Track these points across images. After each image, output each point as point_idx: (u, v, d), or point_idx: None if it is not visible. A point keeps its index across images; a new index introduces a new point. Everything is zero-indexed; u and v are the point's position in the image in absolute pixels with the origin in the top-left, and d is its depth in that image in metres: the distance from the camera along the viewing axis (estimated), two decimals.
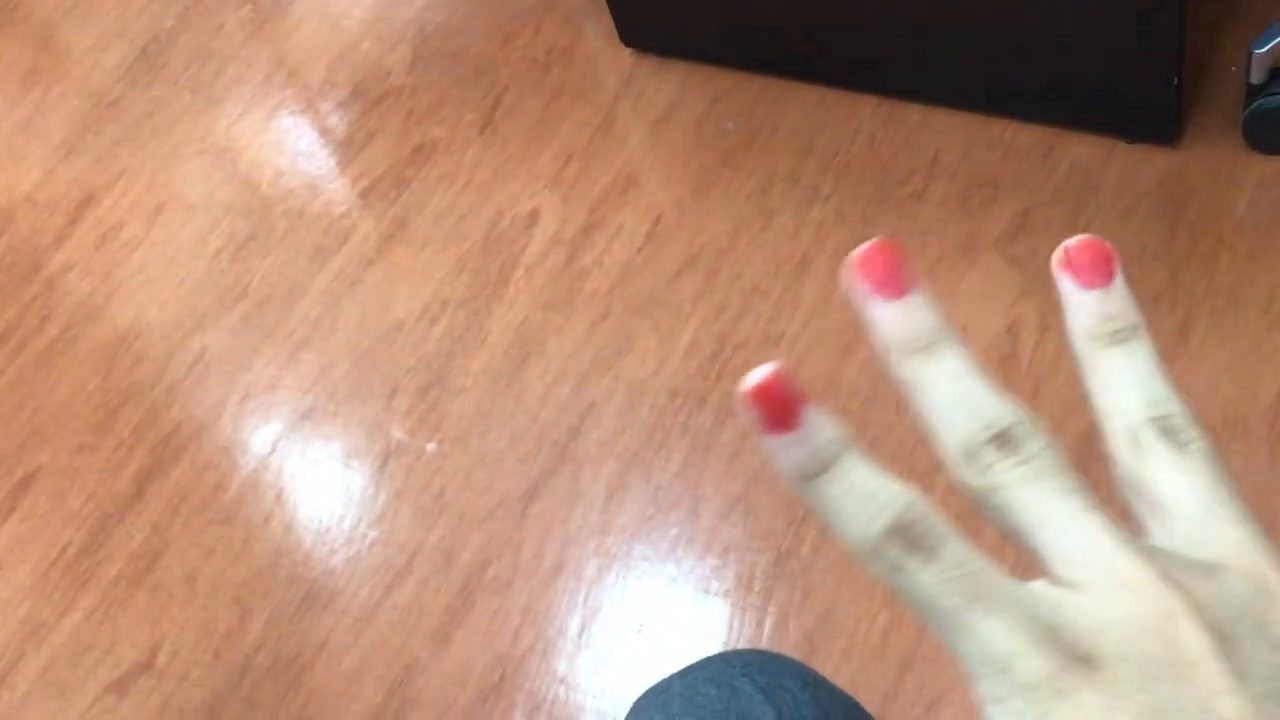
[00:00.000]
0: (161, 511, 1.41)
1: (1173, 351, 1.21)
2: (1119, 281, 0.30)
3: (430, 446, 1.38)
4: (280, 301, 1.56)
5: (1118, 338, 0.30)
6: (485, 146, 1.63)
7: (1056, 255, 0.30)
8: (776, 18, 1.47)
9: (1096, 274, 0.30)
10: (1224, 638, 0.25)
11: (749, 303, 1.38)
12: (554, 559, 1.26)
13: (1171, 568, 0.26)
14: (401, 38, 1.82)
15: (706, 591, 1.21)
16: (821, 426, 0.27)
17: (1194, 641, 0.25)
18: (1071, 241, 0.30)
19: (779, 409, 0.27)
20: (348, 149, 1.70)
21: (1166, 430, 0.29)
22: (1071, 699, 0.24)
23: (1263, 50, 1.25)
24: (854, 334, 1.31)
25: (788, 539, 1.21)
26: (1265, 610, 0.26)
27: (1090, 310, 0.30)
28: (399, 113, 1.72)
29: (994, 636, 0.25)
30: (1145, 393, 0.30)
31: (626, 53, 1.66)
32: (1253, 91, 1.29)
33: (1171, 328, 1.23)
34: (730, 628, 1.18)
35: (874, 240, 0.29)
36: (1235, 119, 1.33)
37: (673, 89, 1.60)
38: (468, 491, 1.33)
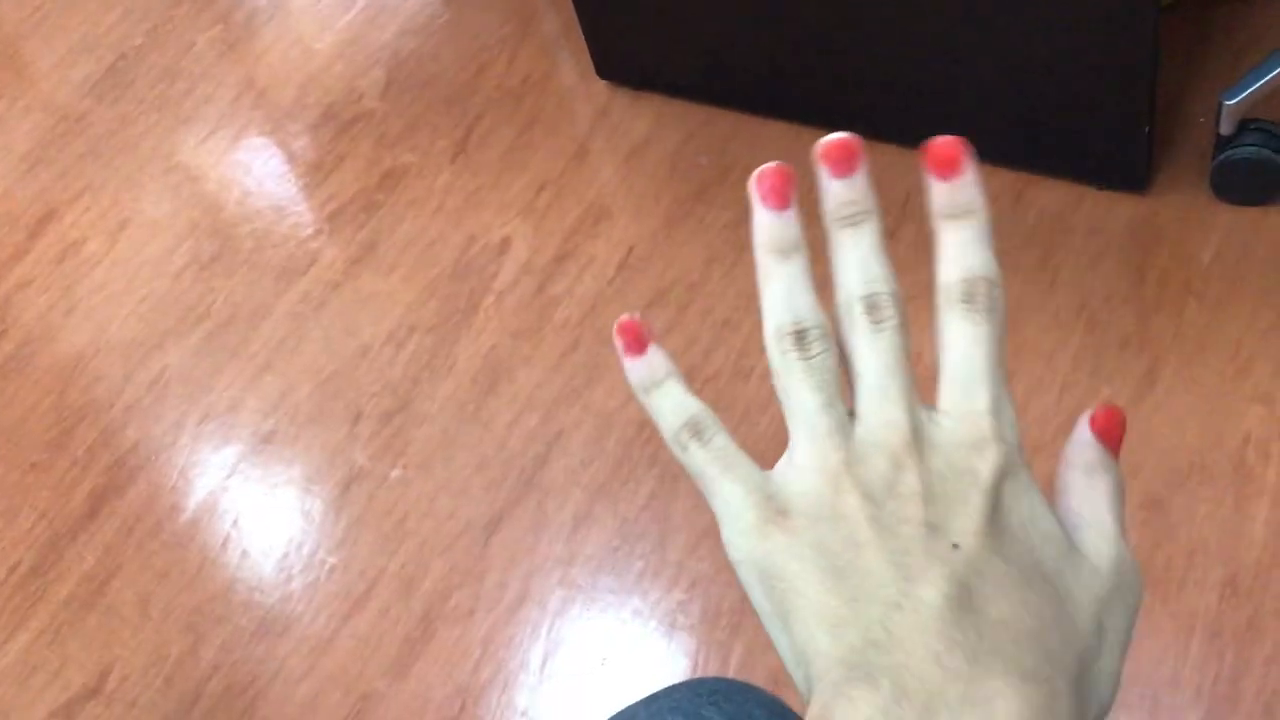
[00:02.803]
0: (115, 532, 1.37)
1: (1140, 396, 1.22)
2: (860, 174, 0.37)
3: (393, 473, 1.36)
4: (243, 323, 1.54)
5: (853, 220, 0.37)
6: (457, 173, 1.63)
7: (814, 149, 0.37)
8: (753, 55, 1.48)
9: (843, 166, 0.37)
10: (869, 498, 0.34)
11: (720, 336, 1.38)
12: (517, 589, 1.24)
13: (848, 451, 0.35)
14: (375, 62, 1.81)
15: (673, 625, 1.19)
16: (658, 358, 0.39)
17: (848, 503, 0.34)
18: (827, 137, 0.37)
19: (635, 340, 0.39)
20: (317, 172, 1.69)
21: (871, 307, 0.36)
22: (770, 537, 0.35)
23: (1233, 102, 1.27)
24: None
25: None
26: (896, 479, 0.34)
27: (834, 195, 0.37)
28: (370, 137, 1.71)
29: (731, 496, 0.36)
30: (863, 271, 0.37)
31: (602, 85, 1.66)
32: (1222, 142, 1.31)
33: (1139, 373, 1.24)
34: (696, 662, 1.17)
35: (776, 163, 0.38)
36: (1204, 168, 1.35)
37: (647, 122, 1.60)
38: (430, 519, 1.31)
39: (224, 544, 1.34)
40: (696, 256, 1.45)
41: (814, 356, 0.36)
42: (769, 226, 0.38)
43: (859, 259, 0.37)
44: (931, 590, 0.32)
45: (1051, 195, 1.39)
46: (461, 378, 1.42)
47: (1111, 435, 0.37)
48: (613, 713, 0.61)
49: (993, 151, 1.42)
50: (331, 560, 1.31)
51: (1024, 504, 0.35)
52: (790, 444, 0.36)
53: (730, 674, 1.15)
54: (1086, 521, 0.36)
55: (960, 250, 0.36)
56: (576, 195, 1.56)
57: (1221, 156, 1.31)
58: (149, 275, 1.62)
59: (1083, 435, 0.37)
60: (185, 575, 1.32)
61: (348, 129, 1.73)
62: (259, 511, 1.37)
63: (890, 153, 1.48)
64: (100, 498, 1.41)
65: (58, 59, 1.97)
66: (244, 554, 1.33)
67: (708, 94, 1.58)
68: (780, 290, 0.37)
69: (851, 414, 0.36)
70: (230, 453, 1.42)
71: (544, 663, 1.19)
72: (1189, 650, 1.07)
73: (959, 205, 0.36)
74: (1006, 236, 1.37)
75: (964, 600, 0.32)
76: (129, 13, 2.02)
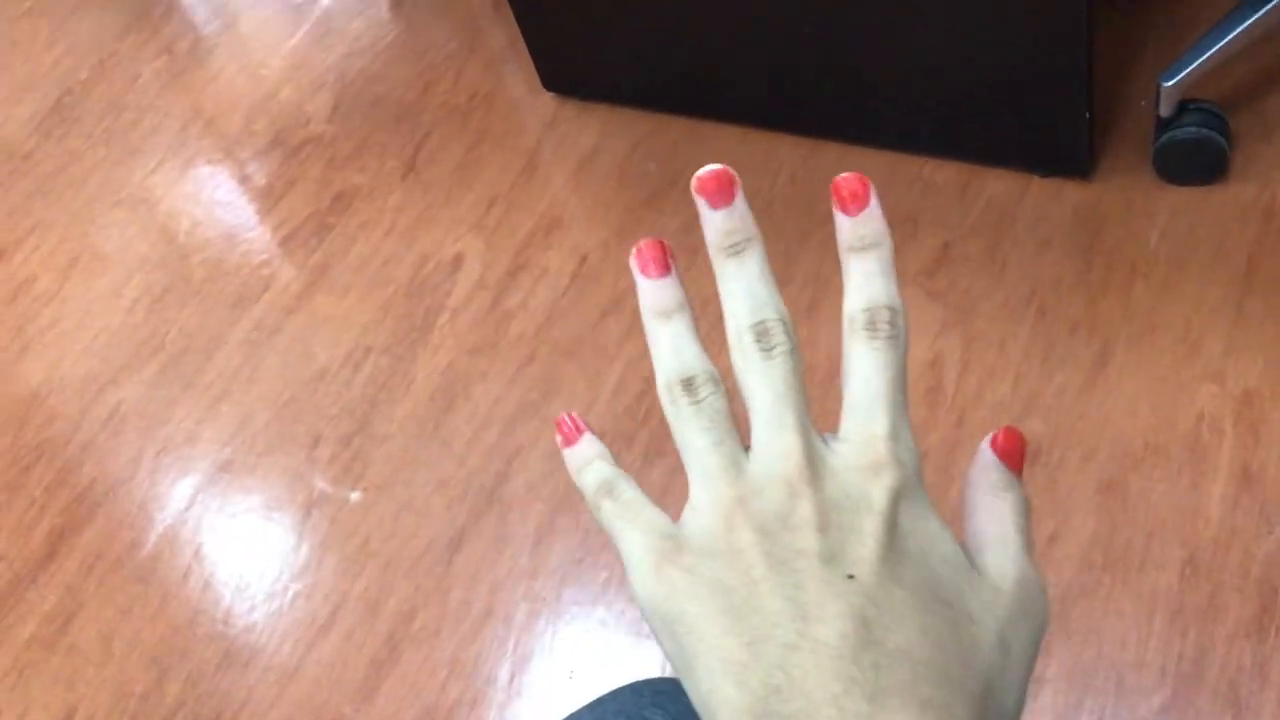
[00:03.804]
0: (75, 571, 1.36)
1: (1092, 380, 1.22)
2: (738, 202, 0.38)
3: (354, 495, 1.35)
4: (198, 353, 1.53)
5: (735, 249, 0.38)
6: (407, 192, 1.62)
7: (692, 182, 0.38)
8: (696, 61, 1.48)
9: (720, 197, 0.38)
10: (762, 531, 0.34)
11: None
12: (482, 606, 1.24)
13: (742, 486, 0.35)
14: (321, 85, 1.80)
15: (638, 634, 1.19)
16: (590, 443, 0.41)
17: (742, 538, 0.34)
18: (702, 170, 0.38)
19: (572, 432, 0.41)
20: (267, 197, 1.68)
21: (760, 335, 0.37)
22: (669, 577, 0.35)
23: (1171, 83, 1.28)
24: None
25: None
26: (791, 510, 0.34)
27: (715, 226, 0.38)
28: (319, 160, 1.70)
29: (633, 542, 0.37)
30: (751, 299, 0.37)
31: (548, 97, 1.66)
32: (1162, 124, 1.31)
33: (1090, 357, 1.24)
34: (663, 670, 1.16)
35: (651, 238, 0.39)
36: (1146, 151, 1.35)
37: (595, 132, 1.60)
38: (393, 540, 1.30)
39: (185, 576, 1.33)
40: None
41: (702, 400, 0.37)
42: (651, 292, 0.39)
43: (745, 287, 0.37)
44: (827, 629, 0.32)
45: (997, 185, 1.39)
46: (419, 396, 1.41)
47: (1013, 456, 0.38)
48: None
49: (936, 144, 1.43)
50: (295, 587, 1.30)
51: (921, 527, 0.35)
52: (690, 489, 0.37)
53: None
54: (991, 541, 0.36)
55: (865, 280, 0.37)
56: (527, 208, 1.55)
57: (1163, 138, 1.31)
58: (101, 310, 1.61)
59: (986, 457, 0.38)
60: (147, 610, 1.31)
61: (297, 153, 1.72)
62: (219, 542, 1.36)
63: (837, 151, 1.48)
64: (59, 537, 1.39)
65: (2, 97, 1.96)
66: (206, 586, 1.32)
67: (653, 101, 1.58)
68: (666, 346, 0.38)
69: (748, 449, 0.37)
70: (188, 484, 1.41)
71: (511, 678, 1.19)
72: (1151, 631, 1.07)
73: (863, 238, 0.37)
74: (953, 227, 1.38)
75: (861, 635, 0.32)
76: (72, 48, 2.01)
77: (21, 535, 1.41)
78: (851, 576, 0.33)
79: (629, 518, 0.37)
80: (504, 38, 1.76)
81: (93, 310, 1.62)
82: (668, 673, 1.14)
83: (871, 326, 0.36)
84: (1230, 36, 1.27)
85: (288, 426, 1.43)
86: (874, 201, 0.37)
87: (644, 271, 0.39)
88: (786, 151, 1.49)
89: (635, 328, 1.40)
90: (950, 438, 1.22)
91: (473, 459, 1.34)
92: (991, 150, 1.39)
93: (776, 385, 0.36)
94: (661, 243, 0.39)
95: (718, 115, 1.54)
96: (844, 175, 0.38)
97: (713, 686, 0.34)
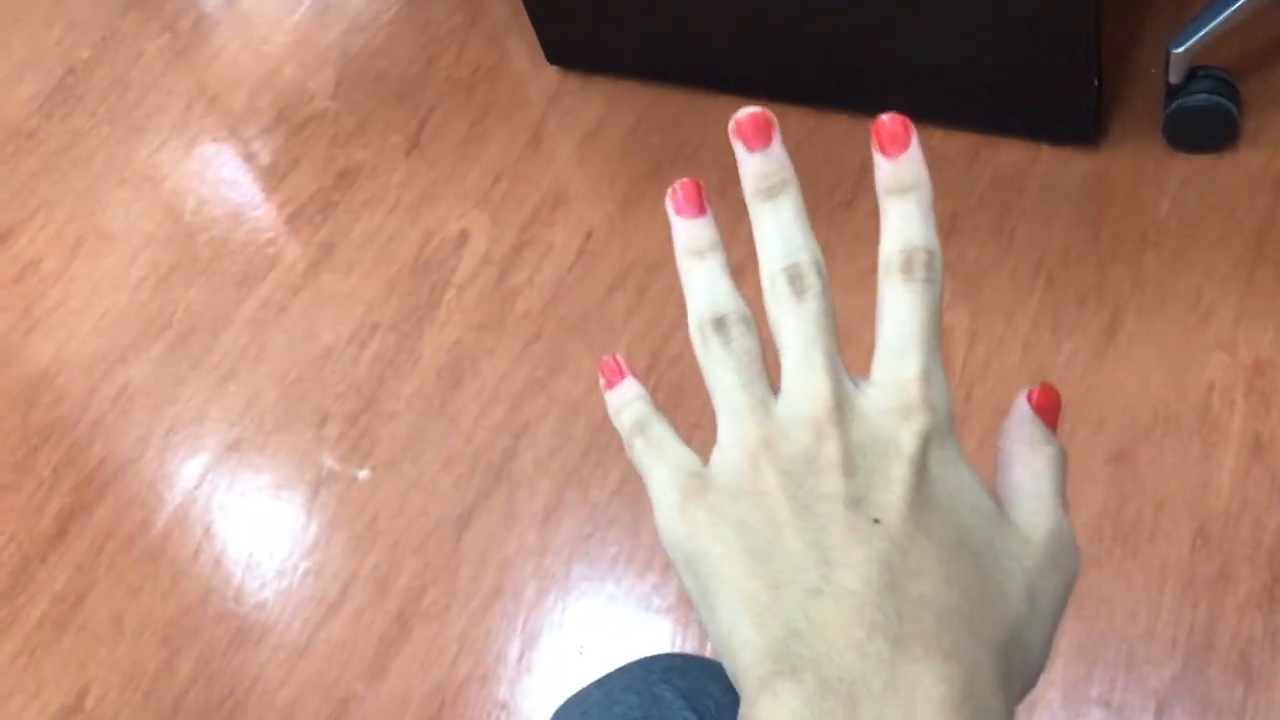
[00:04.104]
0: (85, 551, 1.36)
1: (1102, 350, 1.22)
2: (775, 145, 0.38)
3: (362, 473, 1.35)
4: (205, 332, 1.52)
5: (770, 192, 0.38)
6: (412, 168, 1.61)
7: (730, 125, 0.38)
8: (700, 32, 1.47)
9: (757, 139, 0.38)
10: (787, 474, 0.34)
11: (681, 316, 1.36)
12: (491, 582, 1.24)
13: (769, 427, 0.35)
14: (324, 62, 1.79)
15: (648, 609, 1.19)
16: (631, 385, 0.41)
17: (767, 480, 0.34)
18: (740, 113, 0.38)
19: (614, 374, 0.41)
20: (272, 175, 1.68)
21: (794, 277, 0.36)
22: (693, 516, 0.35)
23: (1180, 50, 1.26)
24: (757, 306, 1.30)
25: None
26: (817, 452, 0.34)
27: (751, 169, 0.38)
28: (323, 137, 1.69)
29: (660, 479, 0.37)
30: (784, 242, 0.37)
31: (552, 70, 1.65)
32: (1172, 91, 1.30)
33: (1100, 326, 1.23)
34: (673, 644, 1.16)
35: (687, 178, 0.39)
36: (1156, 119, 1.34)
37: (599, 105, 1.59)
38: (402, 517, 1.30)
39: (195, 555, 1.34)
40: (655, 237, 1.44)
41: (733, 340, 0.37)
42: (686, 232, 0.39)
43: (779, 229, 0.37)
44: (851, 574, 0.32)
45: (1005, 155, 1.38)
46: (426, 374, 1.41)
47: (1049, 412, 0.37)
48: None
49: (944, 114, 1.41)
50: (304, 565, 1.30)
51: (951, 474, 0.34)
52: (718, 429, 0.36)
53: (707, 654, 1.15)
54: (1025, 493, 0.36)
55: (902, 222, 0.36)
56: (532, 183, 1.55)
57: (1173, 106, 1.30)
58: (108, 289, 1.61)
59: (1022, 411, 0.37)
60: (158, 589, 1.32)
61: (301, 130, 1.72)
62: (229, 521, 1.36)
63: (843, 123, 1.47)
64: (69, 516, 1.40)
65: (3, 77, 1.95)
66: (216, 564, 1.33)
67: (657, 74, 1.57)
68: (700, 285, 0.38)
69: (778, 393, 0.36)
70: (198, 463, 1.41)
71: (521, 655, 1.19)
72: (1162, 602, 1.07)
73: (903, 180, 0.37)
74: (962, 198, 1.37)
75: (885, 581, 0.32)
76: (74, 26, 2.00)
77: (31, 515, 1.41)
78: (877, 521, 0.33)
79: (658, 454, 0.38)
80: (507, 11, 1.75)
81: (99, 290, 1.61)
82: (677, 649, 1.14)
83: (908, 268, 0.36)
84: (1240, 2, 1.25)
85: (295, 405, 1.43)
86: (914, 144, 0.37)
87: (679, 211, 0.39)
88: (793, 123, 1.48)
89: (642, 302, 1.40)
90: (959, 411, 1.22)
91: (480, 436, 1.34)
92: (999, 120, 1.38)
93: (807, 327, 0.36)
94: (697, 182, 0.39)
95: (722, 87, 1.53)
96: (885, 116, 0.37)
97: (733, 627, 0.33)
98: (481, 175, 1.57)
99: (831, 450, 0.34)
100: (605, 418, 1.34)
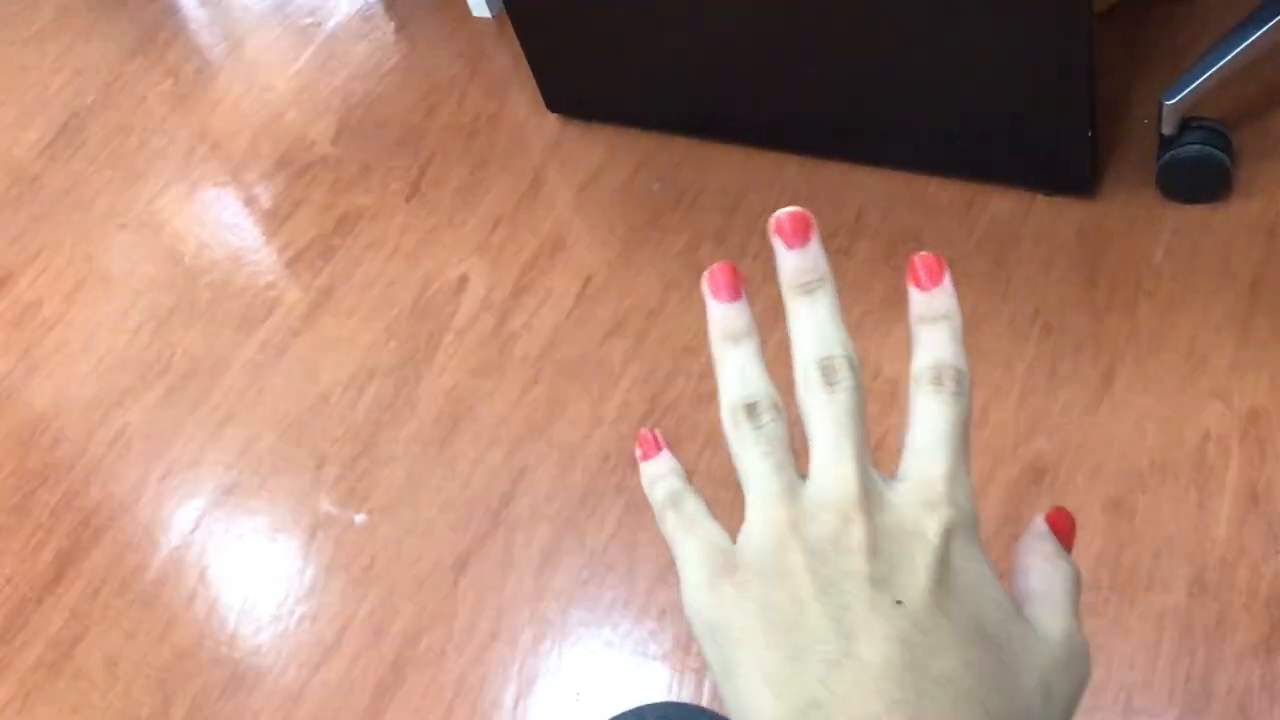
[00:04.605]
0: (81, 594, 1.36)
1: (1098, 398, 1.22)
2: (813, 243, 0.39)
3: (359, 517, 1.35)
4: (204, 375, 1.53)
5: (807, 288, 0.39)
6: (412, 214, 1.62)
7: (770, 223, 0.39)
8: (698, 81, 1.49)
9: (796, 237, 0.39)
10: (813, 554, 0.35)
11: (679, 362, 1.37)
12: (488, 628, 1.23)
13: (797, 510, 0.36)
14: (326, 108, 1.81)
15: (644, 655, 1.19)
16: (666, 459, 0.42)
17: (793, 558, 0.35)
18: (780, 212, 0.39)
19: (651, 447, 0.42)
20: (273, 219, 1.69)
21: (827, 370, 0.38)
22: (720, 592, 0.36)
23: (1172, 102, 1.28)
24: (787, 389, 1.30)
25: None
26: (842, 534, 0.35)
27: (790, 265, 0.39)
28: (324, 182, 1.71)
29: (689, 554, 0.38)
30: (819, 337, 0.38)
31: (552, 118, 1.66)
32: (1165, 142, 1.31)
33: (1096, 375, 1.24)
34: (670, 691, 1.16)
35: (723, 262, 0.40)
36: (1150, 169, 1.35)
37: (599, 152, 1.60)
38: (398, 562, 1.30)
39: (190, 600, 1.33)
40: (654, 283, 1.45)
41: (764, 425, 0.38)
42: (722, 317, 0.40)
43: (814, 325, 0.38)
44: (872, 649, 0.33)
45: (1001, 203, 1.39)
46: (424, 418, 1.41)
47: (1064, 534, 0.39)
48: None
49: (940, 163, 1.43)
50: (300, 610, 1.30)
51: (973, 568, 0.35)
52: (746, 510, 0.37)
53: (703, 701, 1.14)
54: (1041, 597, 0.37)
55: (934, 344, 0.38)
56: (532, 229, 1.56)
57: (1166, 156, 1.31)
58: (107, 332, 1.62)
59: (1040, 529, 0.39)
60: (153, 633, 1.31)
61: (302, 175, 1.73)
62: (225, 565, 1.35)
63: (841, 170, 1.49)
64: (65, 560, 1.39)
65: (9, 121, 1.97)
66: (211, 609, 1.32)
67: (656, 122, 1.58)
68: (733, 371, 0.39)
69: (805, 476, 0.37)
70: (194, 507, 1.41)
71: (517, 701, 1.18)
72: (1160, 651, 1.07)
73: (935, 310, 0.39)
74: (958, 246, 1.38)
75: (905, 658, 0.32)
76: (80, 72, 2.02)
77: (28, 558, 1.41)
78: (900, 602, 0.33)
79: (688, 529, 0.38)
80: (508, 60, 1.77)
81: (99, 333, 1.62)
82: (674, 696, 1.14)
83: (938, 381, 0.37)
84: (1232, 55, 1.27)
85: (293, 448, 1.43)
86: (947, 279, 0.39)
87: (715, 295, 0.40)
88: (790, 171, 1.49)
89: (640, 348, 1.40)
90: None
91: (477, 480, 1.34)
92: (995, 169, 1.39)
93: (839, 416, 0.37)
94: (733, 267, 0.40)
95: (721, 135, 1.54)
96: (921, 254, 0.39)
97: (752, 695, 0.34)
98: (481, 221, 1.59)
99: (857, 533, 0.35)
100: (603, 463, 1.34)
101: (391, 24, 1.91)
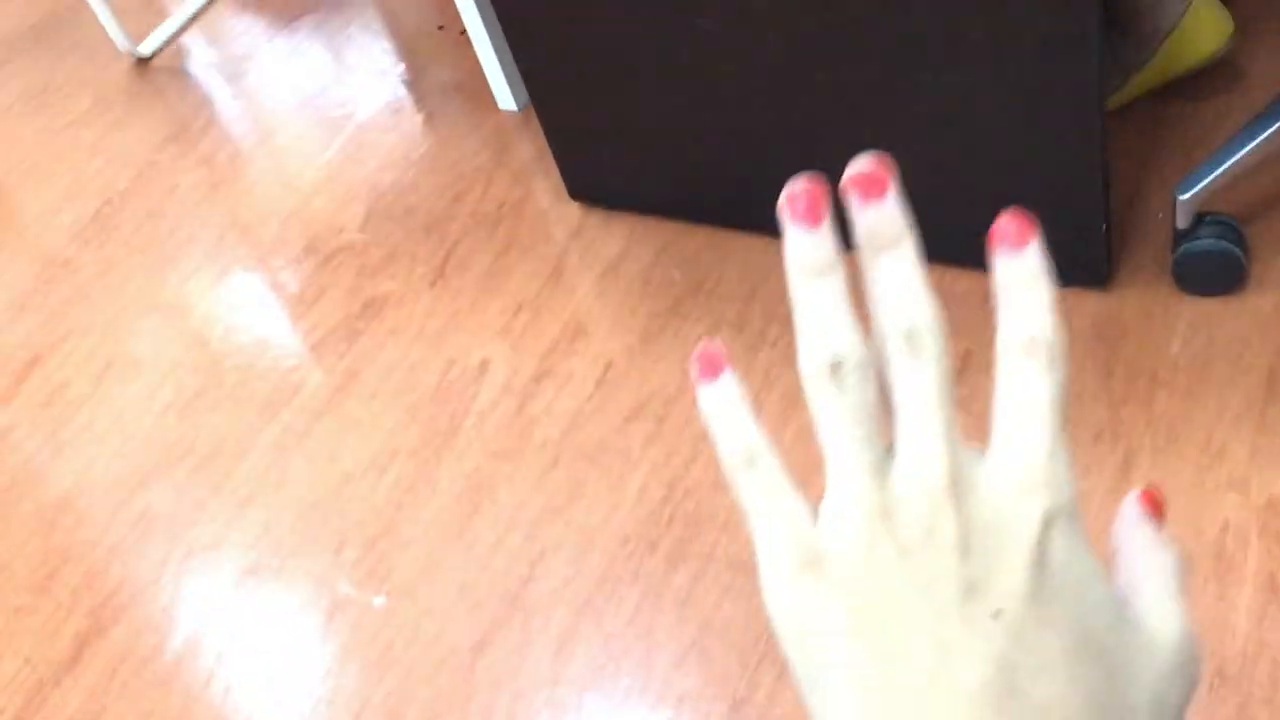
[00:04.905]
0: (99, 675, 1.36)
1: (1116, 489, 1.22)
2: (891, 196, 0.35)
3: (378, 600, 1.35)
4: (227, 456, 1.54)
5: (887, 245, 0.35)
6: (436, 299, 1.65)
7: (843, 182, 0.35)
8: (719, 171, 1.52)
9: (873, 190, 0.35)
10: (904, 551, 0.32)
11: (698, 448, 1.38)
12: (504, 713, 1.23)
13: (884, 495, 0.32)
14: (354, 196, 1.85)
15: None
16: (730, 384, 0.35)
17: (884, 557, 0.32)
18: (852, 168, 0.36)
19: (710, 368, 0.36)
20: (299, 304, 1.72)
21: (911, 338, 0.34)
22: (804, 588, 0.33)
23: (1186, 196, 1.30)
24: (805, 474, 1.31)
25: (743, 686, 1.19)
26: (933, 527, 0.32)
27: (866, 222, 0.35)
28: (351, 268, 1.74)
29: (770, 538, 0.34)
30: (901, 300, 0.34)
31: (575, 207, 1.69)
32: (1179, 236, 1.33)
33: (1113, 466, 1.24)
34: None
35: (807, 178, 0.35)
36: (1165, 262, 1.37)
37: (620, 240, 1.63)
38: (416, 645, 1.30)
39: (208, 681, 1.33)
40: (673, 369, 1.47)
41: (850, 391, 0.33)
42: (800, 246, 0.35)
43: (896, 287, 0.34)
44: (968, 673, 0.30)
45: None
46: (444, 500, 1.42)
47: (1158, 515, 0.36)
48: None
49: (957, 254, 1.45)
50: (317, 692, 1.30)
51: (1075, 564, 0.32)
52: (827, 484, 0.34)
53: None
54: (1148, 595, 0.34)
55: (1024, 311, 0.34)
56: (553, 314, 1.58)
57: (1180, 249, 1.33)
58: (133, 414, 1.64)
59: (1134, 512, 0.36)
60: (170, 714, 1.31)
61: (329, 261, 1.76)
62: (244, 646, 1.36)
63: (857, 259, 1.51)
64: (84, 640, 1.40)
65: (45, 207, 2.02)
66: (228, 691, 1.32)
67: (677, 210, 1.61)
68: (815, 317, 0.34)
69: (891, 450, 0.34)
70: (214, 588, 1.41)
71: None
72: None
73: (1023, 275, 0.34)
74: (975, 335, 1.39)
75: (1005, 683, 0.30)
76: (115, 159, 2.07)
77: (47, 639, 1.41)
78: (998, 613, 0.30)
79: (769, 502, 0.34)
80: (532, 150, 1.81)
81: (125, 414, 1.64)
82: None
83: (1032, 349, 0.33)
84: (1245, 150, 1.29)
85: (313, 530, 1.44)
86: (1036, 242, 0.35)
87: (795, 219, 0.35)
88: None
89: (659, 433, 1.41)
90: None
91: (496, 563, 1.35)
92: None
93: (924, 388, 0.33)
94: (821, 186, 0.36)
95: (741, 224, 1.57)
96: (1008, 211, 0.35)
97: (839, 711, 0.32)
98: (504, 306, 1.61)
99: (948, 527, 0.31)
100: (621, 546, 1.35)
101: (420, 116, 1.96)
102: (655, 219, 1.63)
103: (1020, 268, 0.34)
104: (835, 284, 0.34)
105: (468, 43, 1.89)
